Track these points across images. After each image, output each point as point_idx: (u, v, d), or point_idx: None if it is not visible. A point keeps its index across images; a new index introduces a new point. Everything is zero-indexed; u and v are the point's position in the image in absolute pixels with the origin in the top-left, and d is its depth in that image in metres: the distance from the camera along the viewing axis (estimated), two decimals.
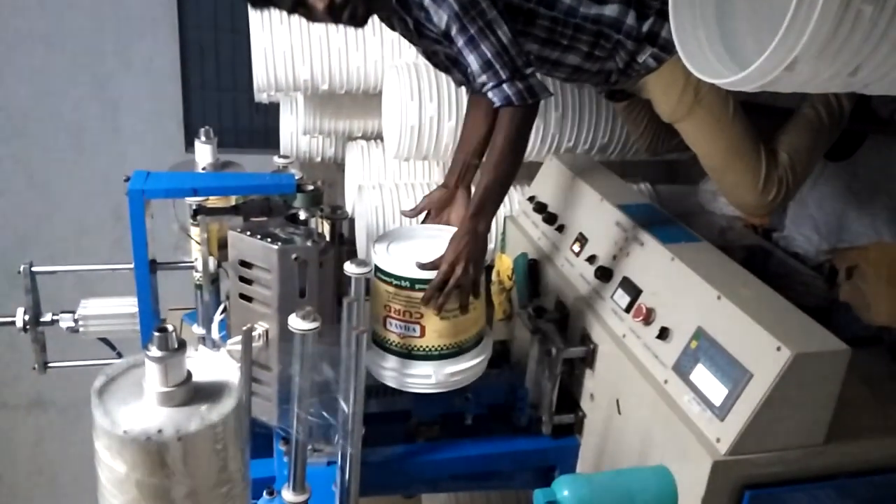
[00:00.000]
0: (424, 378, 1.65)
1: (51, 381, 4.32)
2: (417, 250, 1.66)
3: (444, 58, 1.86)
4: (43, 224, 5.19)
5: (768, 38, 1.03)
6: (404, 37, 1.90)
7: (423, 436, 1.79)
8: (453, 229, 1.69)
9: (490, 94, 1.62)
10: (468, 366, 1.69)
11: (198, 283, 1.91)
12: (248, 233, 1.50)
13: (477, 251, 1.63)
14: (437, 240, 1.69)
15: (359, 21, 1.71)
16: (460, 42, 1.61)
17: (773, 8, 1.02)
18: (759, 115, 2.01)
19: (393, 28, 1.90)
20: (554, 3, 1.75)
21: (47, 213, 5.19)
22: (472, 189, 1.86)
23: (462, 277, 1.59)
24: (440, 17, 1.62)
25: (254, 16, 2.59)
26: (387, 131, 2.55)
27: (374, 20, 1.83)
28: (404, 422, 1.79)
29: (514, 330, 2.09)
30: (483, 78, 1.61)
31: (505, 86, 1.59)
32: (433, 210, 1.94)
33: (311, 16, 1.69)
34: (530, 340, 1.82)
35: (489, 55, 1.59)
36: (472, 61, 1.61)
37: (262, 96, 3.06)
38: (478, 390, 1.78)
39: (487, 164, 1.68)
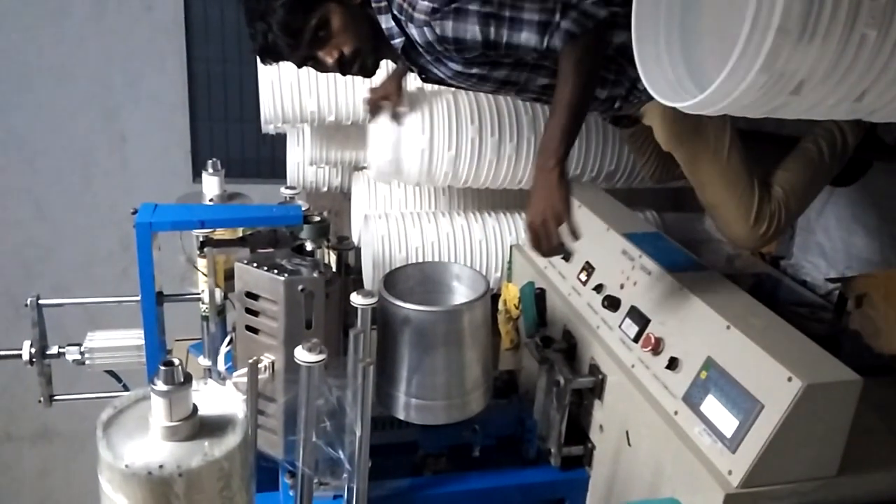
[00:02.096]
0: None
1: (56, 413, 4.29)
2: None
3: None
4: (50, 254, 5.20)
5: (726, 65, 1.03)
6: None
7: (430, 468, 1.77)
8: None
9: (555, 44, 1.55)
10: (475, 397, 1.68)
11: (204, 314, 1.91)
12: (255, 264, 1.50)
13: (557, 193, 1.53)
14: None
15: (368, 72, 1.73)
16: (505, 33, 1.56)
17: (732, 38, 1.01)
18: (764, 144, 2.01)
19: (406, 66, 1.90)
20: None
21: (55, 243, 5.21)
22: None
23: (555, 219, 1.52)
24: (473, 32, 1.57)
25: None
26: (371, 152, 2.53)
27: None
28: (411, 454, 1.78)
29: (521, 360, 2.08)
30: (546, 39, 1.54)
31: (562, 24, 1.53)
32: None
33: (321, 68, 1.71)
34: (538, 371, 1.81)
35: (536, 17, 1.54)
36: (527, 38, 1.56)
37: (269, 128, 3.07)
38: (485, 421, 1.76)
39: (558, 93, 1.58)
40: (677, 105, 1.16)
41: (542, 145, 1.56)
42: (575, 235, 1.57)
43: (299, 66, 1.74)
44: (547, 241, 1.55)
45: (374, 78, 1.88)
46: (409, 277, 1.79)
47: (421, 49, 1.69)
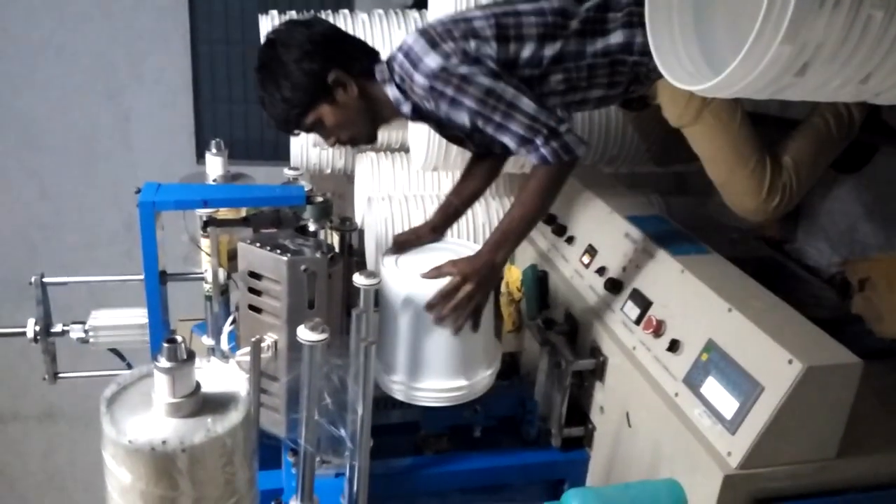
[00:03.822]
0: (433, 391, 1.65)
1: (61, 392, 4.34)
2: (427, 263, 1.66)
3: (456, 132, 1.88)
4: (55, 235, 5.22)
5: (744, 45, 1.03)
6: None
7: (431, 448, 1.79)
8: (465, 242, 1.69)
9: (529, 158, 1.64)
10: (476, 379, 1.68)
11: (207, 294, 1.91)
12: (258, 244, 1.51)
13: (489, 277, 1.64)
14: (447, 252, 1.69)
15: (368, 143, 1.82)
16: (490, 130, 1.65)
17: (749, 16, 1.01)
18: (768, 126, 2.00)
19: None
20: (561, 57, 1.73)
21: (59, 223, 5.22)
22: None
23: (470, 295, 1.60)
24: (462, 119, 1.66)
25: (265, 28, 2.60)
26: (414, 143, 2.55)
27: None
28: (413, 434, 1.79)
29: (523, 342, 2.09)
30: (522, 151, 1.63)
31: (542, 149, 1.61)
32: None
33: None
34: (539, 352, 1.82)
35: (521, 132, 1.62)
36: (508, 142, 1.64)
37: None
38: (487, 403, 1.77)
39: (517, 203, 1.69)
40: (695, 88, 1.15)
41: (494, 240, 1.67)
42: (476, 321, 1.64)
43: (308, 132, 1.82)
44: (463, 294, 1.59)
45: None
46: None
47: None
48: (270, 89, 1.67)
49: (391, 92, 1.72)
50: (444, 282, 1.60)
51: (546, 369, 1.81)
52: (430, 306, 1.60)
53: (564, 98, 1.79)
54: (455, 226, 2.18)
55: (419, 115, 1.76)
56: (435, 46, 1.62)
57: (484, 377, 1.70)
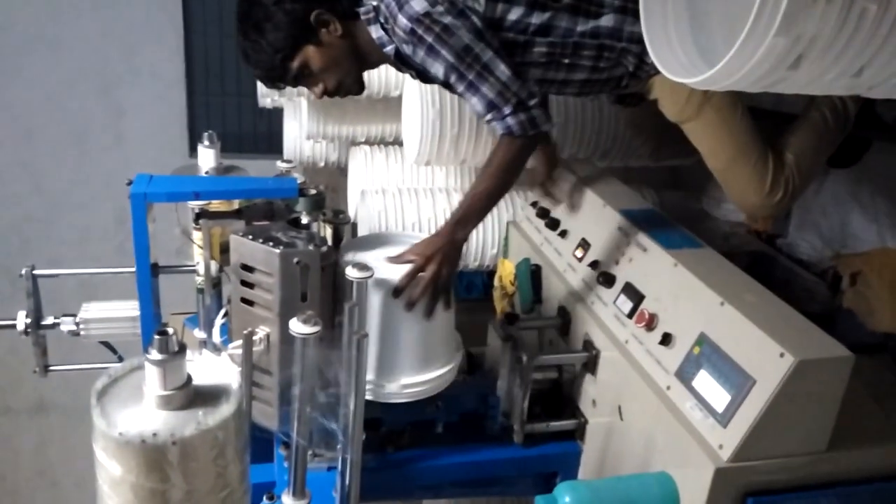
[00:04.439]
0: (393, 387, 1.62)
1: (53, 386, 4.33)
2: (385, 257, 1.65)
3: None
4: (46, 228, 5.20)
5: (738, 38, 1.02)
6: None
7: (392, 444, 1.76)
8: (422, 235, 1.70)
9: (493, 125, 1.66)
10: (437, 374, 1.67)
11: (199, 286, 1.91)
12: (250, 237, 1.50)
13: (452, 255, 1.65)
14: (405, 246, 1.69)
15: (355, 93, 1.82)
16: (460, 88, 1.66)
17: (744, 8, 1.01)
18: (763, 120, 2.01)
19: (402, 72, 1.94)
20: (548, 29, 1.74)
21: (51, 216, 5.20)
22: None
23: (436, 275, 1.60)
24: (437, 70, 1.67)
25: None
26: (407, 136, 2.54)
27: None
28: (374, 430, 1.74)
29: (486, 337, 2.05)
30: (488, 116, 1.65)
31: (508, 118, 1.63)
32: None
33: (312, 94, 1.81)
34: (501, 348, 1.80)
35: (491, 96, 1.63)
36: (475, 103, 1.66)
37: (265, 101, 3.07)
38: (448, 398, 1.74)
39: (480, 179, 1.71)
40: (689, 81, 1.15)
41: (457, 217, 1.69)
42: (447, 300, 1.64)
43: (294, 86, 1.84)
44: (428, 275, 1.59)
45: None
46: (368, 245, 1.76)
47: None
48: (253, 37, 1.69)
49: (375, 32, 1.74)
50: (406, 268, 1.60)
51: (508, 365, 1.79)
52: (398, 291, 1.59)
53: (546, 73, 1.79)
54: (416, 217, 2.30)
55: (401, 60, 1.77)
56: None
57: (443, 373, 1.68)
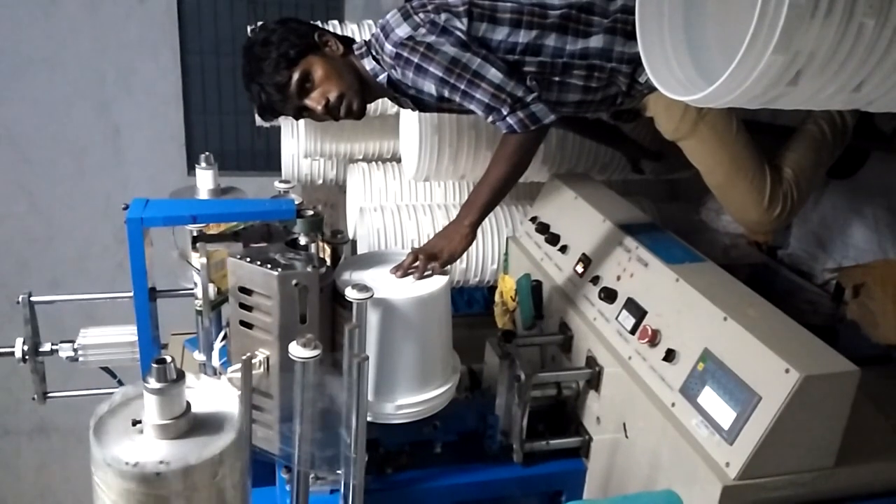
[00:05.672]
0: (390, 408, 1.60)
1: (53, 408, 4.28)
2: (381, 277, 1.64)
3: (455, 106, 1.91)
4: (45, 248, 5.19)
5: (736, 55, 1.02)
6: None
7: (391, 465, 1.74)
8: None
9: (497, 125, 1.72)
10: (434, 395, 1.65)
11: (198, 309, 1.89)
12: (248, 259, 1.49)
13: (458, 247, 1.72)
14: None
15: (356, 115, 1.85)
16: (457, 98, 1.73)
17: (741, 24, 1.00)
18: (760, 134, 2.00)
19: (402, 107, 1.99)
20: (538, 49, 1.78)
21: (49, 237, 5.19)
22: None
23: (436, 252, 1.68)
24: (429, 87, 1.74)
25: None
26: (405, 153, 2.53)
27: None
28: (373, 451, 1.72)
29: (483, 355, 2.03)
30: (489, 119, 1.72)
31: (508, 118, 1.69)
32: None
33: (315, 118, 1.85)
34: (499, 366, 1.78)
35: (486, 100, 1.70)
36: (475, 108, 1.73)
37: (263, 119, 3.05)
38: (446, 418, 1.73)
39: (487, 174, 1.76)
40: (688, 99, 1.15)
41: (465, 209, 1.76)
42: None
43: (296, 118, 1.90)
44: (421, 270, 1.63)
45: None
46: (364, 264, 1.73)
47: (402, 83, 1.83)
48: (260, 53, 1.76)
49: (368, 64, 1.84)
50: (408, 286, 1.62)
51: (506, 383, 1.77)
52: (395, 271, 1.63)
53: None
54: (416, 234, 2.37)
55: (395, 88, 1.84)
56: (407, 18, 1.75)
57: (440, 393, 1.65)
